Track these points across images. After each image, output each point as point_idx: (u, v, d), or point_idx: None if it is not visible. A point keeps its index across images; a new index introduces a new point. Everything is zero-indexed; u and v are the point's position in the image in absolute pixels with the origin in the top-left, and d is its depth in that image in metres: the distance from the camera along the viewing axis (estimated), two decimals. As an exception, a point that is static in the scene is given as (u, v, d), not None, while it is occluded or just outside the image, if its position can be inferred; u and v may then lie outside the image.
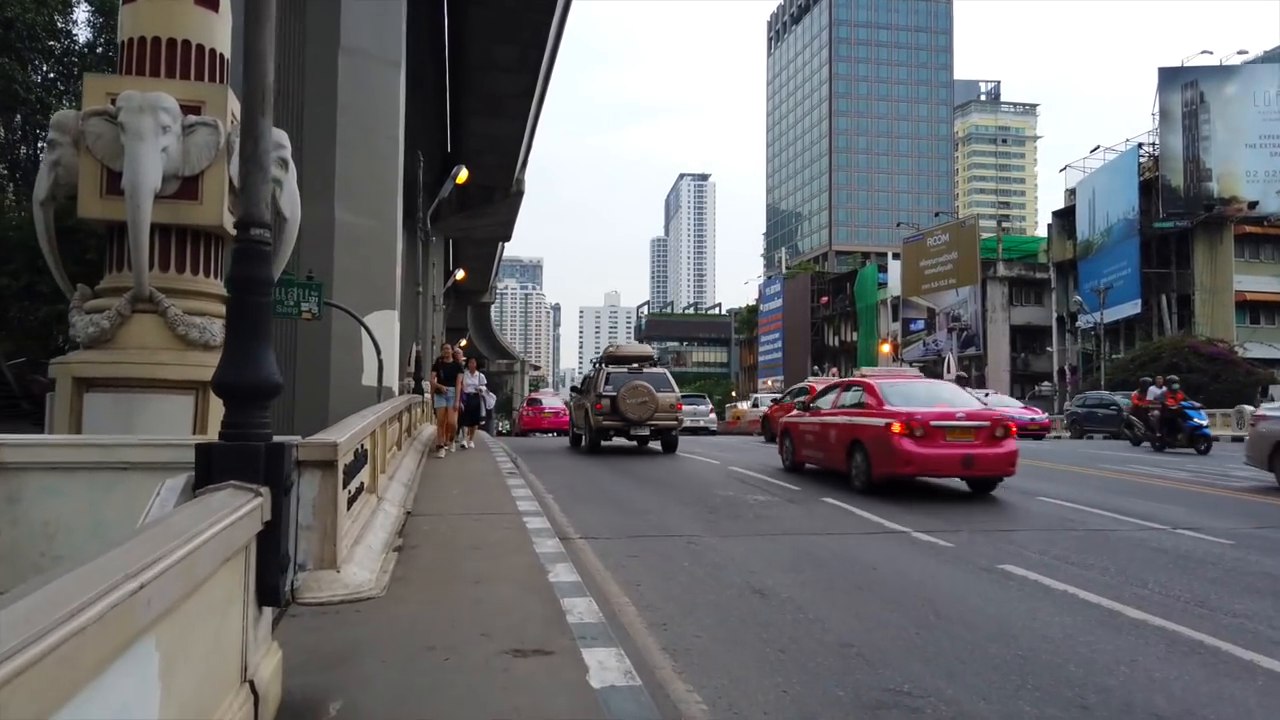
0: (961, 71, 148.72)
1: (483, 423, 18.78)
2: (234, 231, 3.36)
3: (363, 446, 6.53)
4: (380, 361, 12.72)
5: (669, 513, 9.12)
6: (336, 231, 14.06)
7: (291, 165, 7.10)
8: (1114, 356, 37.74)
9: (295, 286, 11.31)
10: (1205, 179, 40.57)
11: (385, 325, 14.81)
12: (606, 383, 15.15)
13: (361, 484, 6.70)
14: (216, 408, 6.39)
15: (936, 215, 75.19)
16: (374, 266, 14.95)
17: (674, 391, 15.61)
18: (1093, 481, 12.58)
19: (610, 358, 16.47)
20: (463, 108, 37.98)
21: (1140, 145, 42.64)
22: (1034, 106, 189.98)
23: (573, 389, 19.92)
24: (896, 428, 9.96)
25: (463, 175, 19.01)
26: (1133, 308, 41.00)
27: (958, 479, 10.74)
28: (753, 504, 9.87)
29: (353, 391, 13.58)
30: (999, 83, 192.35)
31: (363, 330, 13.47)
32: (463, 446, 14.73)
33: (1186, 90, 41.04)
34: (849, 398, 11.56)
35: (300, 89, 13.85)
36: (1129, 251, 41.77)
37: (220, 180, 6.79)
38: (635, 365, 16.08)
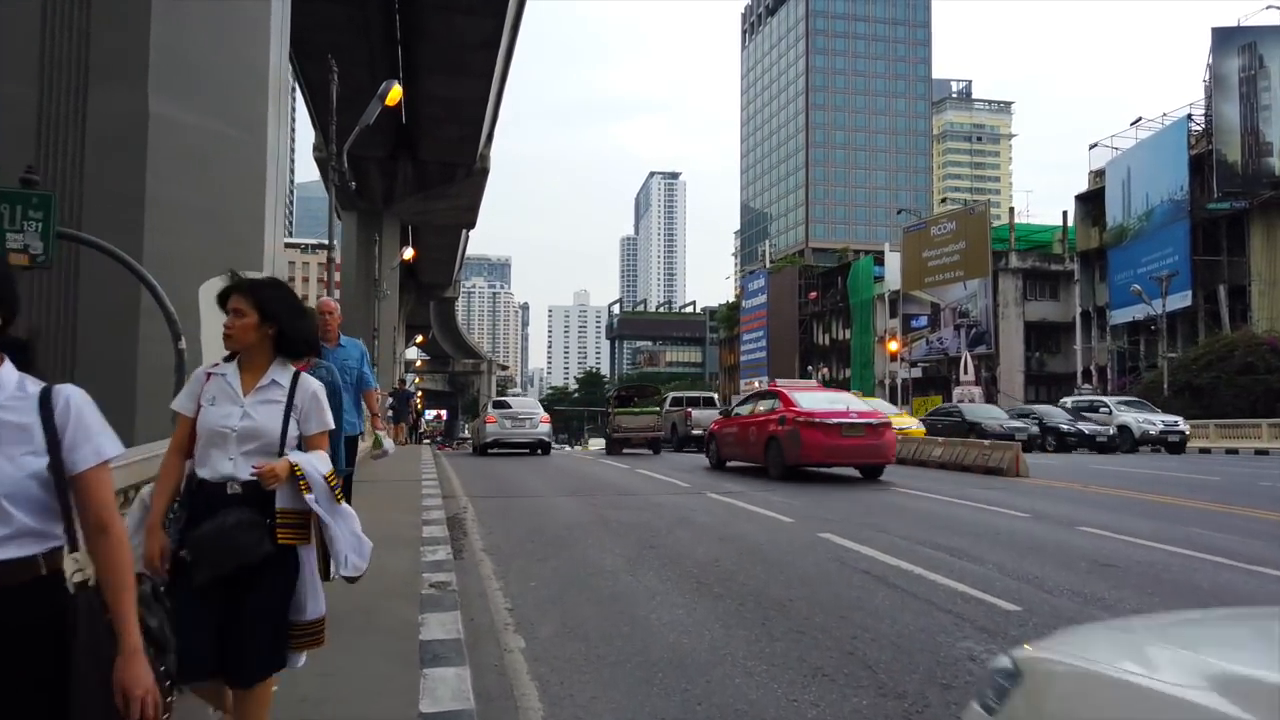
0: (934, 69, 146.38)
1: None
2: None
3: None
4: (179, 353, 6.76)
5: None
6: (152, 135, 8.22)
7: None
8: (1170, 355, 32.62)
9: (-8, 198, 5.35)
10: (1265, 153, 35.62)
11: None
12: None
13: None
14: None
15: (899, 213, 70.73)
16: (231, 202, 9.13)
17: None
18: None
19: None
20: (417, 63, 31.90)
21: (1189, 116, 37.63)
22: (1009, 104, 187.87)
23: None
24: None
25: (395, 92, 13.28)
26: (1183, 299, 35.98)
27: None
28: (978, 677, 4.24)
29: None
30: (970, 82, 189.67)
31: (199, 302, 7.76)
32: None
33: (1243, 54, 36.12)
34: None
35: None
36: (1176, 236, 36.79)
37: None
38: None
